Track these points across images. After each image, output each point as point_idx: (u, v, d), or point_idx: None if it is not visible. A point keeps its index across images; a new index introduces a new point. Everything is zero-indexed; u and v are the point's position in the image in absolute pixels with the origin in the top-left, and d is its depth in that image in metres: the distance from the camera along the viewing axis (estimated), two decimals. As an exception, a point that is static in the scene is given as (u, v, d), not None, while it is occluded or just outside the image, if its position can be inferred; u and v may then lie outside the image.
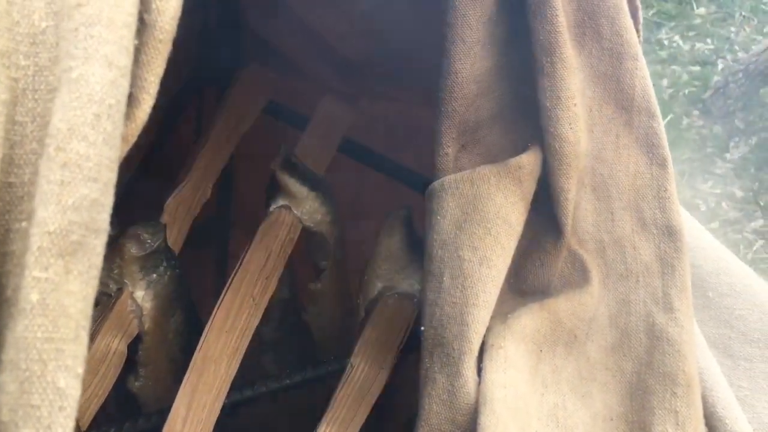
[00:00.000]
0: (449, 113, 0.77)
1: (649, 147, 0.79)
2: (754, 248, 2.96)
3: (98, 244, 0.38)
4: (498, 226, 0.72)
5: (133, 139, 0.42)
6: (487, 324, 0.70)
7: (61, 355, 0.35)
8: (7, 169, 0.38)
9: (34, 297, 0.35)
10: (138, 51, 0.41)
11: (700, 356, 0.73)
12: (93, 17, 0.39)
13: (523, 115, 0.78)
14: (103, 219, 0.39)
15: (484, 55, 0.76)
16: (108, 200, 0.40)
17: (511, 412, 0.64)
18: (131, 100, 0.41)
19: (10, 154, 0.38)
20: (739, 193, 3.19)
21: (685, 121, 3.57)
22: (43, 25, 0.40)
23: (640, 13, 0.84)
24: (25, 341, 0.35)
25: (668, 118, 3.41)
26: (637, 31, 0.82)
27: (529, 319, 0.72)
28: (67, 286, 0.36)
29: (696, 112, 3.61)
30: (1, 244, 0.38)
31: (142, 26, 0.41)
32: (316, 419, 0.89)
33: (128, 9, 0.39)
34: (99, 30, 0.38)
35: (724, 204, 3.15)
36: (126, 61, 0.40)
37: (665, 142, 0.80)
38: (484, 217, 0.73)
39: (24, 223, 0.38)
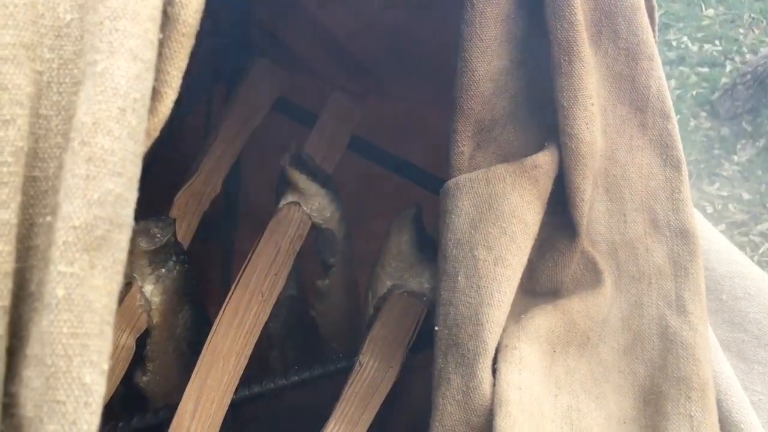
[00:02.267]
0: (465, 111, 0.77)
1: (663, 148, 0.78)
2: (761, 251, 2.96)
3: (122, 239, 0.38)
4: (513, 226, 0.72)
5: (155, 134, 0.42)
6: (503, 324, 0.69)
7: (87, 351, 0.35)
8: (32, 163, 0.38)
9: (60, 292, 0.35)
10: (161, 45, 0.41)
11: (713, 360, 0.72)
12: (118, 10, 0.38)
13: (539, 114, 0.78)
14: (127, 214, 0.39)
15: (501, 54, 0.75)
16: (132, 195, 0.40)
17: (527, 415, 0.64)
18: (154, 94, 0.41)
19: (34, 148, 0.38)
20: (746, 196, 3.18)
21: (693, 122, 3.56)
22: (68, 17, 0.40)
23: (656, 13, 0.83)
24: (51, 336, 0.35)
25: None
26: (653, 31, 0.81)
27: (542, 320, 0.72)
28: (92, 281, 0.35)
29: (704, 114, 3.60)
30: (25, 238, 0.37)
31: (166, 20, 0.41)
32: (324, 417, 0.88)
33: (153, 2, 0.39)
34: (124, 23, 0.38)
35: (730, 206, 3.15)
36: (151, 54, 0.39)
37: (679, 144, 0.79)
38: (499, 217, 0.72)
39: (48, 218, 0.37)
